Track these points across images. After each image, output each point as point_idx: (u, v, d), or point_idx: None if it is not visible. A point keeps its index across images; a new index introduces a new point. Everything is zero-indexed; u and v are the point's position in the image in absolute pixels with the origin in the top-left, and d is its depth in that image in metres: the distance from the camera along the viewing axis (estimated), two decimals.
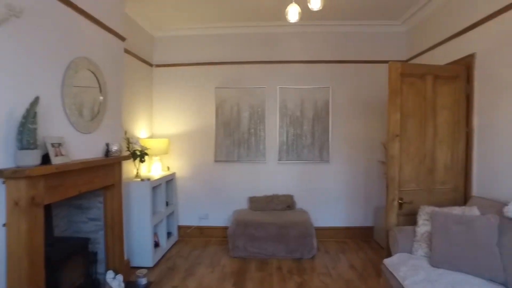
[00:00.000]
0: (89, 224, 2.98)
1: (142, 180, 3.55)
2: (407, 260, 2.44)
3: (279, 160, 4.54)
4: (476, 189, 3.03)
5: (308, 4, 2.42)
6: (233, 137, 4.54)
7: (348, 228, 4.57)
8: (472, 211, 2.43)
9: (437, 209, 2.58)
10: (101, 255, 2.97)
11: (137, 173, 3.78)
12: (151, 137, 4.53)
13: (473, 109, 3.08)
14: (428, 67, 3.10)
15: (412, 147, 3.07)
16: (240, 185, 4.58)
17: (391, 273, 2.40)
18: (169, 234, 4.30)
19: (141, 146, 3.70)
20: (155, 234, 3.87)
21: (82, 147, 2.62)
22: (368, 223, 4.57)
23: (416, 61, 4.27)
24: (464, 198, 3.16)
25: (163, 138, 4.48)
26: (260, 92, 4.53)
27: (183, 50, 4.61)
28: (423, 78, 3.07)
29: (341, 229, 4.57)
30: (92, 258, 2.90)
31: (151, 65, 4.55)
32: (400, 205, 3.03)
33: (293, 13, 2.56)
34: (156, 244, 3.84)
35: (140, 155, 3.61)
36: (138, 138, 4.01)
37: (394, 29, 4.49)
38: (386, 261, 2.54)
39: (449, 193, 3.15)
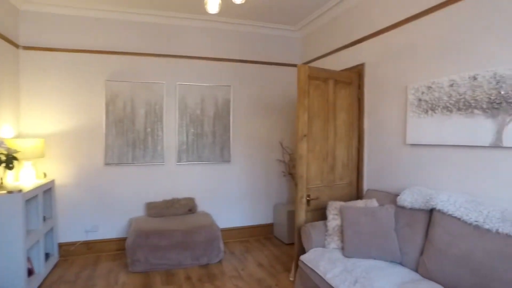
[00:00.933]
0: None
1: (10, 192, 2.76)
2: (322, 254, 2.58)
3: (179, 161, 4.25)
4: (366, 183, 3.46)
5: None
6: (127, 137, 4.02)
7: (250, 227, 4.62)
8: (372, 203, 2.74)
9: (345, 203, 2.82)
10: None
11: (1, 183, 2.93)
12: (18, 136, 3.59)
13: (363, 111, 3.50)
14: (330, 72, 3.37)
15: (318, 146, 3.28)
16: (135, 190, 4.09)
17: (311, 269, 2.49)
18: (47, 256, 3.49)
19: (8, 149, 2.88)
20: (28, 260, 3.08)
21: None
22: (269, 220, 4.72)
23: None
24: (357, 192, 3.57)
25: (36, 137, 3.62)
26: (158, 88, 4.14)
27: (63, 32, 3.81)
28: (326, 81, 3.32)
29: (244, 228, 4.59)
30: None
31: (16, 46, 3.61)
32: (308, 201, 3.20)
33: (213, 4, 2.38)
34: (30, 272, 3.06)
35: (6, 160, 2.80)
36: (2, 138, 3.12)
37: (291, 35, 4.76)
38: (304, 258, 2.63)
39: (345, 188, 3.50)
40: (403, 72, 2.98)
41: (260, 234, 4.66)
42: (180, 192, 4.27)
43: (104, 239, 3.98)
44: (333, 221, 2.77)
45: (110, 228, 4.00)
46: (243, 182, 4.58)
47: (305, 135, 3.15)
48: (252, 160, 4.62)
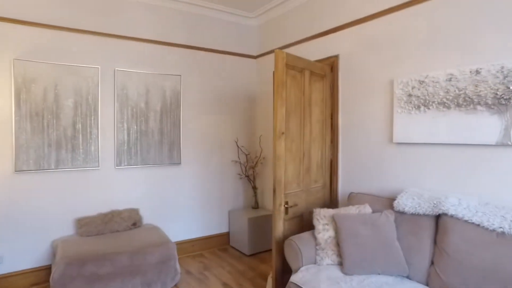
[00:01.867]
0: None
1: None
2: (318, 273, 2.19)
3: (118, 164, 3.46)
4: (342, 186, 3.20)
5: None
6: (48, 135, 3.09)
7: (204, 239, 4.03)
8: (365, 209, 2.45)
9: (337, 211, 2.48)
10: None
11: None
12: None
13: (338, 107, 3.23)
14: (307, 62, 3.00)
15: (294, 145, 2.88)
16: (61, 202, 3.19)
17: None
18: None
19: None
20: None
21: None
22: (224, 229, 4.20)
23: (266, 59, 4.23)
24: (330, 195, 3.29)
25: None
26: (92, 74, 3.29)
27: None
28: (303, 72, 2.94)
29: (196, 240, 3.98)
30: None
31: None
32: (286, 209, 2.79)
33: None
34: None
35: None
36: None
37: (248, 22, 4.29)
38: (297, 280, 2.20)
39: (320, 191, 3.18)
40: (387, 65, 2.77)
41: (215, 245, 4.10)
42: (121, 202, 3.48)
43: (13, 273, 2.99)
44: (324, 232, 2.41)
45: (22, 256, 3.03)
46: (195, 187, 3.97)
47: (283, 133, 2.73)
48: (205, 161, 4.04)
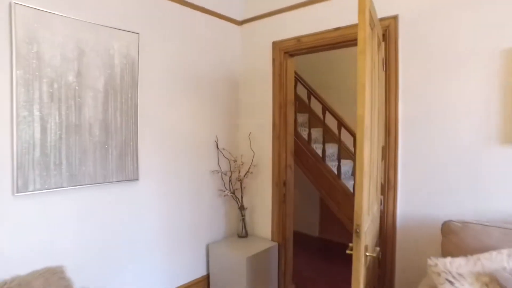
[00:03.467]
0: None
1: None
2: None
3: (22, 189, 1.81)
4: (401, 208, 2.19)
5: None
6: None
7: None
8: None
9: (488, 264, 1.43)
10: None
11: None
12: None
13: (396, 93, 2.21)
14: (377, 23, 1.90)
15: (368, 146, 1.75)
16: None
17: None
18: None
19: None
20: None
21: None
22: (201, 271, 2.81)
23: (255, 26, 2.99)
24: (385, 221, 2.25)
25: None
26: None
27: None
28: (374, 33, 1.83)
29: None
30: None
31: None
32: (366, 257, 1.64)
33: None
34: None
35: None
36: None
37: None
38: None
39: (375, 218, 2.12)
40: (495, 27, 1.85)
41: None
42: (28, 260, 1.84)
43: None
44: None
45: None
46: (160, 214, 2.51)
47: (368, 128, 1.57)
48: (174, 173, 2.59)
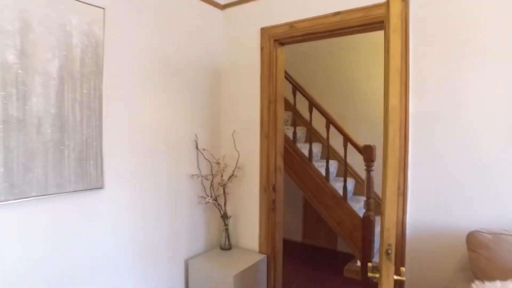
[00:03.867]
0: None
1: None
2: None
3: None
4: (410, 217, 1.94)
5: None
6: None
7: None
8: None
9: None
10: None
11: None
12: None
13: (406, 86, 1.95)
14: None
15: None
16: None
17: None
18: None
19: None
20: None
21: None
22: None
23: (240, 10, 2.65)
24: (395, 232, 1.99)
25: None
26: None
27: None
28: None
29: None
30: None
31: None
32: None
33: None
34: None
35: None
36: None
37: None
38: None
39: None
40: None
41: None
42: None
43: None
44: None
45: None
46: (130, 228, 2.08)
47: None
48: (147, 178, 2.18)
